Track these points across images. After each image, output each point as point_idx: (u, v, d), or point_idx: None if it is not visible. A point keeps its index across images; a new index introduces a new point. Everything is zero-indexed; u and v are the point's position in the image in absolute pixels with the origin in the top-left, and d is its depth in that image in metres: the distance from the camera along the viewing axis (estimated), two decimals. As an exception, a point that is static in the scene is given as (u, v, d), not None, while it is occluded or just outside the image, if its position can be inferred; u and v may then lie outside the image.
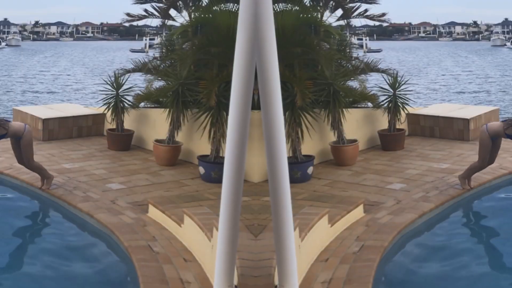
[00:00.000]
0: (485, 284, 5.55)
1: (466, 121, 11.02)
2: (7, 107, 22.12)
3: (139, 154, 10.05)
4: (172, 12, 9.85)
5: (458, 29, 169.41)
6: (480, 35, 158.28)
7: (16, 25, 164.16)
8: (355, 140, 9.33)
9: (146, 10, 10.04)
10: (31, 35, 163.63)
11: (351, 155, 9.25)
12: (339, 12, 9.87)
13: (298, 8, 8.71)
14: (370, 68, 10.07)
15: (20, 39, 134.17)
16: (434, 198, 7.45)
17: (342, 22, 10.28)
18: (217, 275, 3.71)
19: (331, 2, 9.55)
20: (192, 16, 9.29)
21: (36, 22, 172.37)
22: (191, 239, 5.82)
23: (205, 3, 9.23)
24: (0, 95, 26.46)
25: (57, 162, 9.28)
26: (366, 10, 10.01)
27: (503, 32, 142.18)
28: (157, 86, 10.10)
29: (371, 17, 10.27)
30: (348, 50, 10.61)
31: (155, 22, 10.73)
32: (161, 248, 5.83)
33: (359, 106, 10.43)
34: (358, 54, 11.45)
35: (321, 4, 9.39)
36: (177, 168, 9.10)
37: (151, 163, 9.40)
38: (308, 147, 8.64)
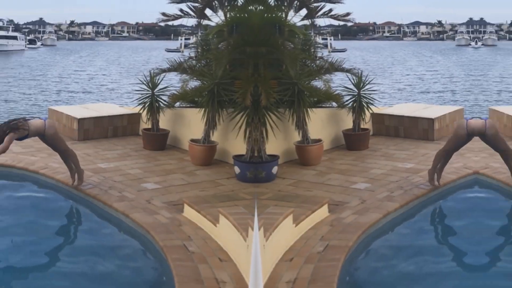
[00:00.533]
0: (450, 283, 5.55)
1: (430, 121, 11.04)
2: (42, 106, 22.46)
3: (174, 154, 10.14)
4: (208, 11, 9.91)
5: (423, 28, 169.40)
6: (445, 34, 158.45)
7: (52, 24, 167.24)
8: (319, 140, 9.41)
9: (181, 10, 10.12)
10: (67, 34, 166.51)
11: (316, 154, 9.34)
12: (304, 11, 9.87)
13: (262, 7, 8.77)
14: (335, 67, 10.15)
15: (56, 38, 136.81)
16: (398, 198, 7.43)
17: (306, 22, 10.26)
18: (253, 274, 3.75)
19: (296, 1, 9.58)
20: (228, 15, 9.34)
21: (72, 22, 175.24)
22: (227, 238, 5.87)
23: (241, 3, 9.29)
24: (35, 95, 26.86)
25: (93, 161, 9.39)
26: (330, 10, 9.98)
27: (468, 32, 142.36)
28: (193, 86, 10.18)
29: (335, 17, 10.22)
30: (312, 50, 10.63)
31: (190, 21, 10.78)
32: (197, 247, 5.87)
33: (323, 105, 10.49)
34: (322, 54, 11.36)
35: (285, 3, 9.44)
36: (212, 167, 9.17)
37: (186, 162, 9.47)
38: (272, 146, 8.71)
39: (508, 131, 11.71)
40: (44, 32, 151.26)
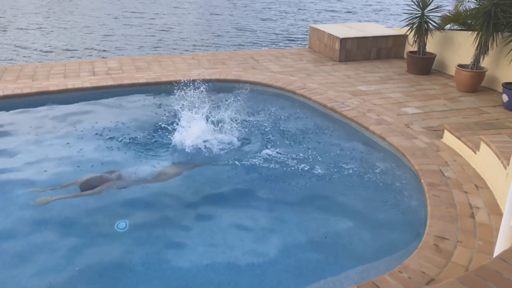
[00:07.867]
0: None
1: None
2: (301, 26, 22.43)
3: (438, 79, 10.13)
4: None
5: None
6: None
7: None
8: None
9: None
10: None
11: None
12: None
13: None
14: None
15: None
16: None
17: None
18: (510, 201, 3.78)
19: None
20: None
21: None
22: (485, 166, 5.92)
23: None
24: (294, 14, 26.78)
25: (352, 84, 9.71)
26: None
27: None
28: (467, 7, 9.91)
29: None
30: None
31: None
32: (453, 173, 6.03)
33: None
34: None
35: None
36: (478, 94, 9.07)
37: (450, 88, 9.46)
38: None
39: (328, 50, 11.94)
40: None
